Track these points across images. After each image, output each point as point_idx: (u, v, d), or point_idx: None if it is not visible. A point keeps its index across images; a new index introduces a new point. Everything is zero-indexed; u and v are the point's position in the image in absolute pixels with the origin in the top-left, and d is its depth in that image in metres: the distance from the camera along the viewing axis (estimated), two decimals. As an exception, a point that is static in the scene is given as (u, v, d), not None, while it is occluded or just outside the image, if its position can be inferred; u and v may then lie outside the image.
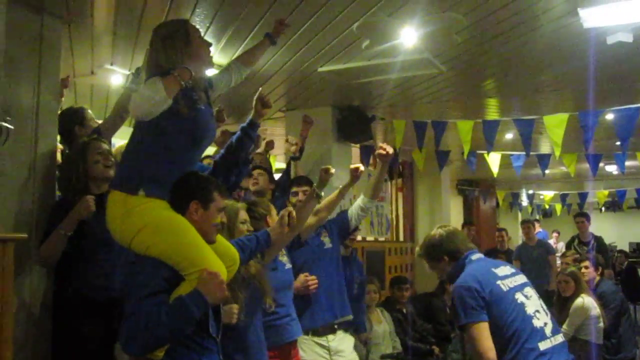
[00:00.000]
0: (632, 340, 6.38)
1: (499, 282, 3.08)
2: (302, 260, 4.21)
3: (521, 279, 3.21)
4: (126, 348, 2.38)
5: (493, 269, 3.17)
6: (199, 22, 4.33)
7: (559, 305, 5.80)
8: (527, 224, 9.39)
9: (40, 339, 3.36)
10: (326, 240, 4.41)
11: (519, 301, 3.03)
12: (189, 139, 2.68)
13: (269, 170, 5.12)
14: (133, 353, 2.37)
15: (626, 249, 17.23)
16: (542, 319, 3.04)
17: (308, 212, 3.92)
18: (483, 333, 2.95)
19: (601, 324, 5.66)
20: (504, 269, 3.21)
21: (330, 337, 4.18)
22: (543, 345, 2.95)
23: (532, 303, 3.07)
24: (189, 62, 2.70)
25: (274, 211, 3.67)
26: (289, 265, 3.89)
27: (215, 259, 2.57)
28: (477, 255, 3.29)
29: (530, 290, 3.14)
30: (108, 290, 3.29)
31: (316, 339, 4.13)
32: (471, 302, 2.99)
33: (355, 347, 4.53)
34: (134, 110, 2.65)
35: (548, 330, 3.02)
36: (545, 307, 3.15)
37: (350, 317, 4.41)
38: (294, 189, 4.43)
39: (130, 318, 2.35)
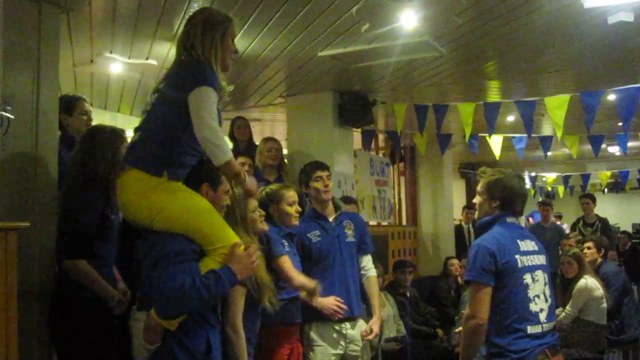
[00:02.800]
0: (636, 321, 6.41)
1: (517, 256, 3.12)
2: (326, 251, 4.20)
3: (539, 260, 3.22)
4: (158, 312, 2.46)
5: (518, 241, 3.19)
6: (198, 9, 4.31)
7: (562, 286, 5.82)
8: (547, 206, 9.44)
9: (43, 326, 3.38)
10: (349, 233, 4.36)
11: (524, 282, 3.08)
12: None
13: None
14: (163, 317, 2.46)
15: (629, 229, 17.21)
16: (539, 304, 3.09)
17: None
18: (484, 297, 3.02)
19: (604, 305, 5.68)
20: (527, 244, 3.22)
21: (348, 324, 4.19)
22: (531, 329, 3.02)
23: (536, 287, 3.11)
24: (212, 55, 2.78)
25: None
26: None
27: (235, 236, 2.70)
28: (512, 219, 3.29)
29: (540, 274, 3.16)
30: (107, 281, 3.38)
31: (334, 324, 4.12)
32: (485, 264, 3.04)
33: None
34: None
35: (543, 317, 3.08)
36: (548, 294, 3.17)
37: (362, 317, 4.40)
38: (319, 174, 4.35)
39: (164, 283, 2.43)
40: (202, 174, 2.76)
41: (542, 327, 3.06)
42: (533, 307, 3.05)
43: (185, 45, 2.81)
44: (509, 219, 3.26)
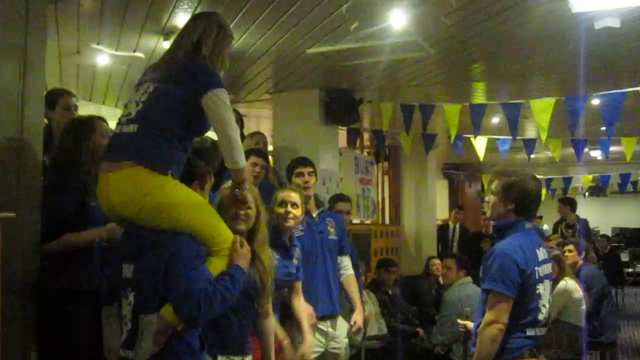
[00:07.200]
0: (614, 324, 6.48)
1: (537, 267, 3.10)
2: (308, 246, 4.12)
3: (548, 269, 3.21)
4: (189, 319, 2.45)
5: (537, 250, 3.16)
6: (187, 2, 4.29)
7: (542, 288, 5.87)
8: None
9: (27, 318, 3.36)
10: (331, 231, 4.34)
11: (537, 292, 3.08)
12: (203, 128, 2.77)
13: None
14: (191, 321, 2.47)
15: (609, 233, 17.41)
16: (544, 313, 3.11)
17: None
18: (506, 306, 3.00)
19: (583, 307, 5.73)
20: (542, 253, 3.19)
21: (329, 322, 4.19)
22: (530, 332, 3.05)
23: (545, 296, 3.12)
24: (219, 62, 2.80)
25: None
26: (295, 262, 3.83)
27: (232, 234, 2.70)
28: (529, 225, 3.25)
29: (547, 284, 3.17)
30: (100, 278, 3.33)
31: (317, 323, 4.12)
32: (512, 276, 3.01)
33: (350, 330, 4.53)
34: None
35: (542, 323, 3.11)
36: (550, 302, 3.17)
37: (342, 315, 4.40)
38: (299, 169, 4.32)
39: (191, 290, 2.42)
40: (193, 172, 2.77)
41: (537, 331, 3.08)
42: (540, 316, 3.07)
43: (192, 39, 2.74)
44: (528, 225, 3.22)
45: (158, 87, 2.66)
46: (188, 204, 2.56)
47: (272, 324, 3.36)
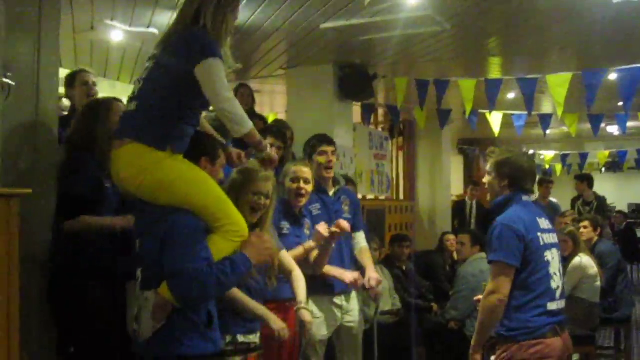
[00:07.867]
0: (629, 300, 6.47)
1: (539, 234, 3.14)
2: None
3: (553, 238, 3.24)
4: (182, 300, 2.44)
5: (537, 219, 3.20)
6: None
7: (557, 264, 5.86)
8: (547, 184, 9.48)
9: (45, 292, 3.40)
10: (346, 209, 4.30)
11: (546, 259, 3.11)
12: (206, 100, 2.70)
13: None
14: (185, 301, 2.46)
15: (625, 209, 17.30)
16: (557, 281, 3.13)
17: None
18: (508, 276, 3.04)
19: (598, 283, 5.73)
20: (544, 223, 3.24)
21: (344, 297, 4.20)
22: (551, 306, 3.07)
23: (554, 264, 3.14)
24: (222, 30, 2.71)
25: None
26: (307, 232, 3.89)
27: (239, 213, 2.67)
28: (527, 198, 3.29)
29: (555, 253, 3.19)
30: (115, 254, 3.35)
31: (330, 297, 4.15)
32: (512, 243, 3.05)
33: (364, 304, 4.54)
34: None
35: (558, 294, 3.13)
36: (561, 272, 3.20)
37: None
38: (323, 148, 4.22)
39: (184, 268, 2.41)
40: (201, 148, 2.73)
41: (557, 304, 3.10)
42: (553, 284, 3.09)
43: (191, 10, 2.69)
44: (524, 198, 3.26)
45: (156, 62, 2.66)
46: (186, 179, 2.56)
47: (298, 275, 3.45)
